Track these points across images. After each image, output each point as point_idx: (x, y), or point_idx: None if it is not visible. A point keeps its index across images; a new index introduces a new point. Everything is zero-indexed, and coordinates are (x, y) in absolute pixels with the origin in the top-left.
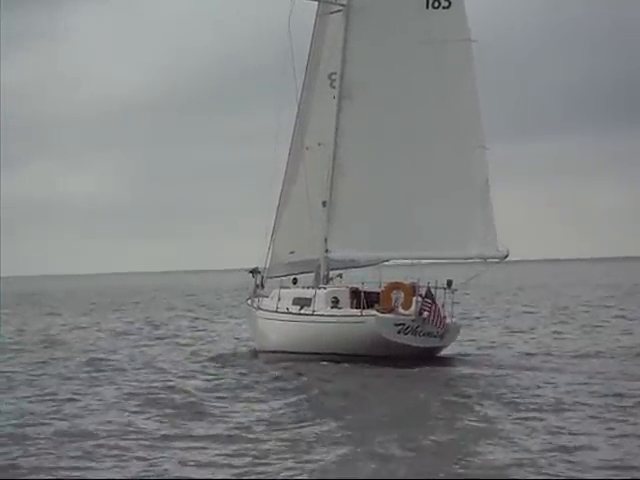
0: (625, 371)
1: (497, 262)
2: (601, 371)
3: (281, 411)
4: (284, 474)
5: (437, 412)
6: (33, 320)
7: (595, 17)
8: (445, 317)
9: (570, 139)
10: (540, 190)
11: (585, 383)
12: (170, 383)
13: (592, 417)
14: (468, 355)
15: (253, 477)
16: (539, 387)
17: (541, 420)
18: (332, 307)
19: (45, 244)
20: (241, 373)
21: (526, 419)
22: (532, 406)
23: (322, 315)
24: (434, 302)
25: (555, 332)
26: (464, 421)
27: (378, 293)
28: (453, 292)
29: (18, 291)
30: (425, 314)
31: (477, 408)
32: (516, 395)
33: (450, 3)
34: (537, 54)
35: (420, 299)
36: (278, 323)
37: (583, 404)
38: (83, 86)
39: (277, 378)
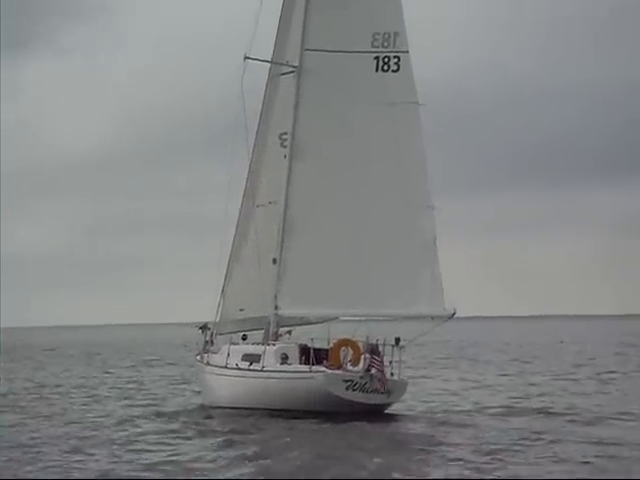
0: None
1: (444, 320)
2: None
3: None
4: None
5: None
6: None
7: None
8: (392, 374)
9: (518, 195)
10: (490, 246)
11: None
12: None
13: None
14: (413, 411)
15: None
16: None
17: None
18: (281, 363)
19: None
20: (185, 425)
21: None
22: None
23: (271, 371)
24: (381, 359)
25: (495, 388)
26: None
27: (327, 350)
28: (401, 349)
29: None
30: (373, 371)
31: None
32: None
33: (399, 67)
34: (486, 115)
35: (368, 356)
36: (227, 379)
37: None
38: (37, 139)
39: (220, 432)
